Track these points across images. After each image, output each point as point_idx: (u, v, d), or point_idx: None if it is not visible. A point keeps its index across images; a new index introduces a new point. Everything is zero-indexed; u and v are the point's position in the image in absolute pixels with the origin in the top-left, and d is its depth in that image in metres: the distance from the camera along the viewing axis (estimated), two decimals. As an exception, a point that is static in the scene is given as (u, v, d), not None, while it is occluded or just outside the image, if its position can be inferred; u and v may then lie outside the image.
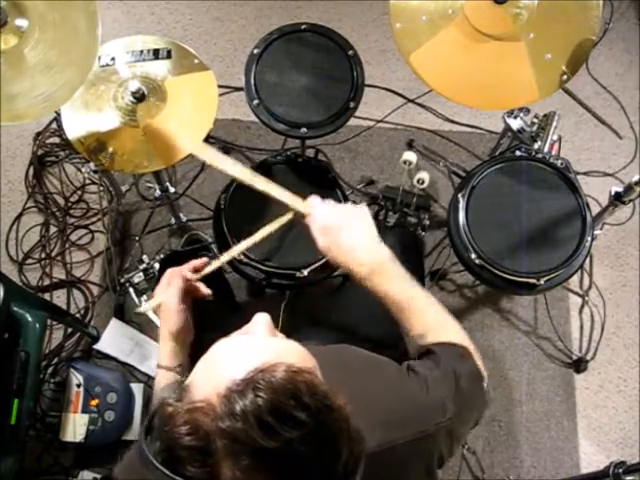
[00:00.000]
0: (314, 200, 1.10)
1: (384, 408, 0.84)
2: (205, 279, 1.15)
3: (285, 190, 1.14)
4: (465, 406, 0.90)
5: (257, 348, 0.67)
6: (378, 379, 0.91)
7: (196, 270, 1.14)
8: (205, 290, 1.15)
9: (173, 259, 1.70)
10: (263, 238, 1.20)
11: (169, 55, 1.50)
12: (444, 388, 0.89)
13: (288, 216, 1.15)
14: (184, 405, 0.61)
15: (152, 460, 0.59)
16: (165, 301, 1.10)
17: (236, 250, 1.22)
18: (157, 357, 1.11)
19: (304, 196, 1.13)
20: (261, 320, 0.74)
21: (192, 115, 1.46)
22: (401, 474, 0.84)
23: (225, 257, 1.20)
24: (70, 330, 1.96)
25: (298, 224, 1.43)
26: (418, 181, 1.62)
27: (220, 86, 1.59)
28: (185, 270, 1.12)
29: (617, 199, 1.47)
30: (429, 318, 1.03)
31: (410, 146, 2.22)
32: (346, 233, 1.03)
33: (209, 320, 1.15)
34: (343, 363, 0.93)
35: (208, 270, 1.16)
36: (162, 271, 1.52)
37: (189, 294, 1.13)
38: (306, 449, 0.58)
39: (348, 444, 0.61)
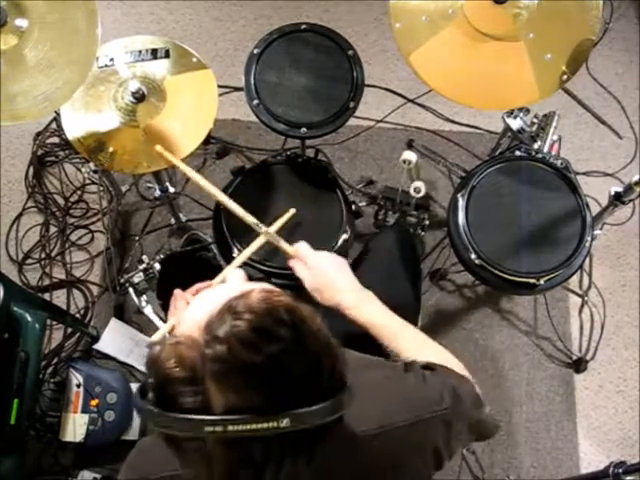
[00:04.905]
0: (303, 245, 1.16)
1: (383, 396, 0.87)
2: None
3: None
4: (461, 403, 0.91)
5: (233, 288, 0.73)
6: (377, 374, 0.93)
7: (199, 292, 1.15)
8: None
9: (173, 259, 1.71)
10: (260, 247, 1.21)
11: (167, 54, 1.50)
12: (442, 384, 0.91)
13: (288, 215, 1.16)
14: (169, 341, 0.64)
15: (150, 408, 0.62)
16: (175, 323, 1.10)
17: (235, 263, 1.22)
18: None
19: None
20: (234, 273, 0.82)
21: (192, 114, 1.46)
22: (397, 458, 0.85)
23: (225, 272, 1.20)
24: (70, 330, 1.96)
25: (298, 224, 1.44)
26: (415, 190, 1.63)
27: (220, 86, 1.59)
28: (188, 295, 1.13)
29: (617, 199, 1.47)
30: (413, 344, 1.06)
31: (410, 146, 2.22)
32: (335, 278, 1.11)
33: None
34: None
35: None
36: (162, 271, 1.52)
37: None
38: (290, 360, 0.61)
39: (330, 358, 0.65)
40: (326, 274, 1.12)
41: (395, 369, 0.94)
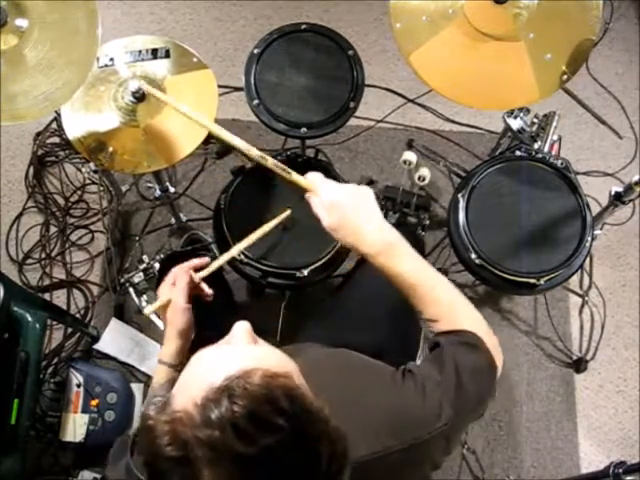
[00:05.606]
0: (316, 176, 1.01)
1: (379, 416, 0.84)
2: (204, 278, 1.16)
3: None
4: (465, 406, 0.88)
5: (234, 356, 0.67)
6: (374, 386, 0.89)
7: (197, 270, 1.15)
8: (207, 290, 1.16)
9: (173, 259, 1.70)
10: (262, 236, 1.20)
11: (167, 54, 1.50)
12: (442, 390, 0.87)
13: (286, 213, 1.15)
14: (163, 416, 0.61)
15: (138, 475, 0.61)
16: (172, 300, 1.10)
17: (236, 249, 1.23)
18: (160, 353, 1.10)
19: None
20: (240, 328, 0.73)
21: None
22: (394, 477, 0.83)
23: (226, 256, 1.21)
24: (70, 330, 1.96)
25: (298, 224, 1.44)
26: (419, 178, 1.62)
27: (220, 86, 1.59)
28: (190, 269, 1.13)
29: (617, 199, 1.47)
30: (441, 301, 0.97)
31: (410, 146, 2.22)
32: (354, 212, 0.95)
33: (206, 319, 1.15)
34: (340, 369, 0.93)
35: (211, 269, 1.16)
36: (162, 271, 1.52)
37: (191, 293, 1.13)
38: (286, 453, 0.58)
39: (329, 445, 0.61)
40: (339, 211, 0.95)
41: (393, 378, 0.89)
